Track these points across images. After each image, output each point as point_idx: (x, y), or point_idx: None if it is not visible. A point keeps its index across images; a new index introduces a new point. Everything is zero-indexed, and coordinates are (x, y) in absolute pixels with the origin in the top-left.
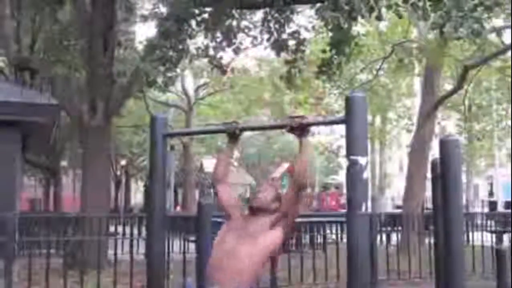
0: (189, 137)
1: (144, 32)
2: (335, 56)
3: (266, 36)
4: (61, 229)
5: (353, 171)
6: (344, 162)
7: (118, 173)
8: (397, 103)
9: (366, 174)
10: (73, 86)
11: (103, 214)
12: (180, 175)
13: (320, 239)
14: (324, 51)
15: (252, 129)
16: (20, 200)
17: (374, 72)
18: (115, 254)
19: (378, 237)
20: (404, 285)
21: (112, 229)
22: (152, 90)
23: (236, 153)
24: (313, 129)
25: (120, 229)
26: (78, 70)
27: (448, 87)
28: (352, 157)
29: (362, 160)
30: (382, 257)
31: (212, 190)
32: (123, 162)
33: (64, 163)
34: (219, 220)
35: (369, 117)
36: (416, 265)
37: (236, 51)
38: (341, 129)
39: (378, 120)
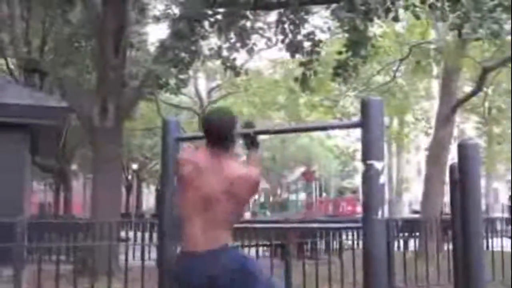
0: (203, 141)
1: (156, 33)
2: (351, 58)
3: (280, 37)
4: (71, 234)
5: (369, 175)
6: (360, 166)
7: (130, 177)
8: (415, 105)
9: (383, 179)
10: (83, 88)
11: (113, 219)
12: None
13: (336, 245)
14: (340, 53)
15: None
16: (29, 205)
17: (391, 74)
18: (126, 260)
19: (395, 243)
20: None
21: (123, 234)
22: (164, 92)
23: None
24: (330, 132)
25: (131, 234)
26: (88, 72)
27: (467, 89)
28: (368, 162)
29: (378, 165)
30: (399, 263)
31: None
32: (134, 166)
33: (74, 167)
34: None
35: (386, 120)
36: (434, 271)
37: (250, 52)
38: (357, 132)
39: (395, 122)
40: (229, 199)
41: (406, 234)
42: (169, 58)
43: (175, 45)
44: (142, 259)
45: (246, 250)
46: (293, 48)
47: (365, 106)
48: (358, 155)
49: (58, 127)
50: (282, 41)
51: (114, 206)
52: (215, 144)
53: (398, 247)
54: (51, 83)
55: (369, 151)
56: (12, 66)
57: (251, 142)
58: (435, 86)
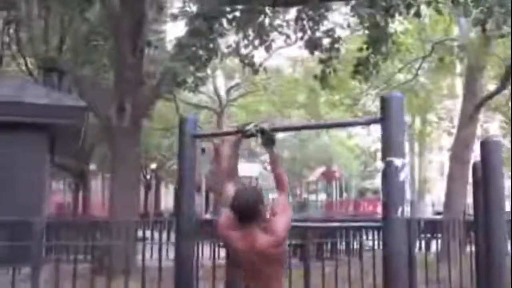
0: (221, 139)
1: (174, 31)
2: (372, 55)
3: (299, 34)
4: (89, 234)
5: (389, 173)
6: (381, 166)
7: (148, 177)
8: (438, 104)
9: (403, 176)
10: (101, 87)
11: (130, 218)
12: (211, 179)
13: (356, 246)
14: (360, 50)
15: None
16: (49, 204)
17: (414, 72)
18: (143, 259)
19: (417, 244)
20: None
21: (141, 234)
22: (182, 91)
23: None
24: (351, 131)
25: (149, 234)
26: (106, 71)
27: (492, 87)
28: (388, 159)
29: (398, 162)
30: (421, 265)
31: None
32: (153, 166)
33: (93, 167)
34: None
35: (408, 119)
36: (457, 273)
37: (268, 49)
38: (378, 131)
39: (417, 122)
40: (269, 263)
41: (428, 235)
42: (186, 56)
43: (193, 42)
44: (159, 258)
45: None
46: (312, 45)
47: (385, 102)
48: (379, 155)
49: (76, 127)
50: (301, 38)
51: (132, 205)
52: (246, 221)
53: (420, 248)
54: (69, 83)
55: (389, 148)
56: (31, 66)
57: (268, 139)
58: (459, 84)
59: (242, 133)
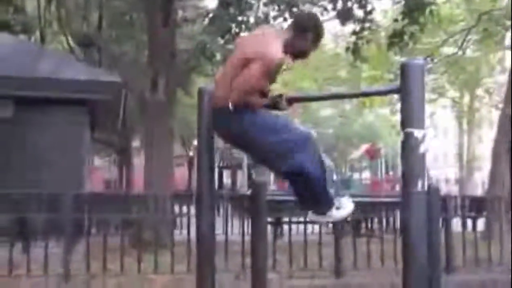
0: None
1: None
2: (408, 26)
3: (330, 5)
4: (126, 208)
5: (409, 145)
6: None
7: (191, 153)
8: (488, 78)
9: (423, 149)
10: (136, 63)
11: (165, 193)
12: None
13: (390, 223)
14: (396, 20)
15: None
16: (92, 181)
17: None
18: (171, 233)
19: (461, 223)
20: (483, 274)
21: (184, 209)
22: (212, 65)
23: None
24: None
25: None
26: (142, 46)
27: None
28: (407, 130)
29: (418, 133)
30: (467, 244)
31: None
32: (195, 142)
33: (136, 143)
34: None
35: (456, 94)
36: (497, 253)
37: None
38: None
39: (466, 98)
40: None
41: (473, 213)
42: (216, 29)
43: (222, 14)
44: (188, 232)
45: (295, 226)
46: (344, 16)
47: (404, 70)
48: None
49: (115, 103)
50: (334, 8)
51: (166, 180)
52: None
53: (465, 226)
54: (106, 58)
55: (408, 119)
56: (72, 43)
57: (275, 104)
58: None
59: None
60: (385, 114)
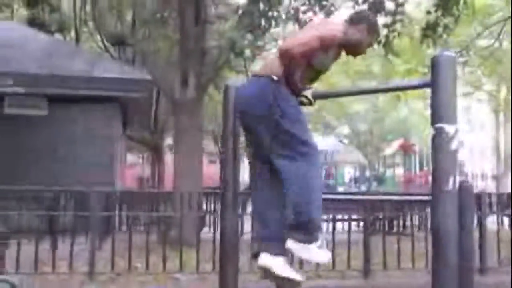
0: None
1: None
2: (442, 17)
3: None
4: (156, 205)
5: (439, 141)
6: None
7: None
8: None
9: (455, 145)
10: (168, 61)
11: (193, 190)
12: None
13: (422, 221)
14: (428, 12)
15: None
16: (126, 178)
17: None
18: (198, 232)
19: (497, 221)
20: None
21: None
22: (242, 61)
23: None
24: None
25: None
26: (170, 44)
27: None
28: (437, 125)
29: (449, 129)
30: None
31: None
32: None
33: (169, 141)
34: None
35: (493, 88)
36: None
37: (329, 13)
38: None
39: (503, 91)
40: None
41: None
42: (245, 24)
43: (251, 10)
44: (214, 231)
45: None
46: (375, 8)
47: (435, 63)
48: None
49: (148, 100)
50: (364, 1)
51: (195, 178)
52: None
53: (501, 224)
54: (137, 56)
55: (439, 114)
56: (107, 42)
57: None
58: None
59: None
60: (419, 108)
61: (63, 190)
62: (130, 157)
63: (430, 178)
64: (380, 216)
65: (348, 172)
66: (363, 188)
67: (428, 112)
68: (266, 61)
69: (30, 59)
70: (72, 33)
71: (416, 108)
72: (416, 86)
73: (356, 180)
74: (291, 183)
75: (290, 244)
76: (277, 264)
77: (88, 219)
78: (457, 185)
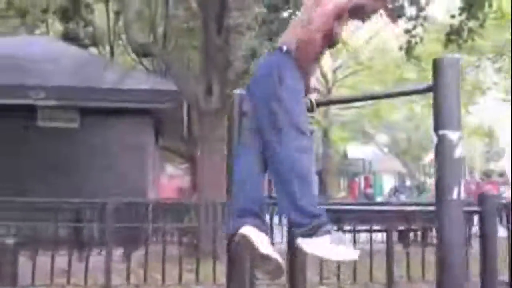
0: (329, 121)
1: None
2: (466, 21)
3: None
4: (184, 216)
5: (442, 149)
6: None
7: None
8: None
9: (459, 153)
10: (192, 70)
11: (218, 200)
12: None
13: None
14: (453, 16)
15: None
16: (166, 189)
17: None
18: (228, 242)
19: None
20: None
21: None
22: None
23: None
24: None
25: None
26: (195, 54)
27: None
28: (440, 132)
29: (453, 135)
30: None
31: None
32: None
33: None
34: None
35: None
36: None
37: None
38: (501, 108)
39: None
40: None
41: None
42: (263, 32)
43: (270, 18)
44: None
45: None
46: (396, 13)
47: (437, 66)
48: (504, 135)
49: (178, 111)
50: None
51: (220, 188)
52: None
53: None
54: (165, 67)
55: (442, 120)
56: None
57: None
58: None
59: None
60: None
61: (82, 202)
62: (171, 168)
63: (471, 186)
64: (414, 227)
65: (387, 181)
66: (403, 198)
67: (467, 119)
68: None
69: (62, 72)
70: (107, 47)
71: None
72: (417, 91)
73: (395, 190)
74: (278, 173)
75: (297, 242)
76: (262, 240)
77: (118, 230)
78: (462, 194)
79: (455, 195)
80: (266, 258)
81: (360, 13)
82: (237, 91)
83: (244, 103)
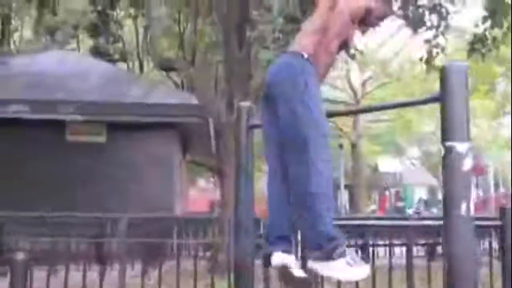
0: (359, 134)
1: None
2: (490, 30)
3: (400, 11)
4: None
5: (450, 161)
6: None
7: None
8: None
9: (468, 165)
10: (213, 84)
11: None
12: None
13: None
14: (476, 26)
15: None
16: (197, 202)
17: None
18: (253, 258)
19: None
20: None
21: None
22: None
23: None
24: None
25: None
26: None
27: None
28: (448, 143)
29: (461, 147)
30: None
31: None
32: None
33: None
34: None
35: None
36: None
37: (363, 31)
38: None
39: None
40: None
41: None
42: (281, 44)
43: (287, 29)
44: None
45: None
46: (415, 22)
47: (444, 75)
48: None
49: (205, 125)
50: (405, 17)
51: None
52: None
53: None
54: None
55: (449, 131)
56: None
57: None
58: None
59: None
60: (490, 126)
61: (98, 217)
62: (202, 182)
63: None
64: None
65: (419, 195)
66: (435, 211)
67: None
68: (298, 38)
69: (91, 87)
70: (136, 62)
71: (482, 126)
72: (423, 102)
73: (426, 203)
74: (294, 190)
75: (310, 264)
76: (291, 263)
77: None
78: (471, 209)
79: (463, 210)
80: (299, 281)
81: (369, 17)
82: (244, 104)
83: (252, 116)
